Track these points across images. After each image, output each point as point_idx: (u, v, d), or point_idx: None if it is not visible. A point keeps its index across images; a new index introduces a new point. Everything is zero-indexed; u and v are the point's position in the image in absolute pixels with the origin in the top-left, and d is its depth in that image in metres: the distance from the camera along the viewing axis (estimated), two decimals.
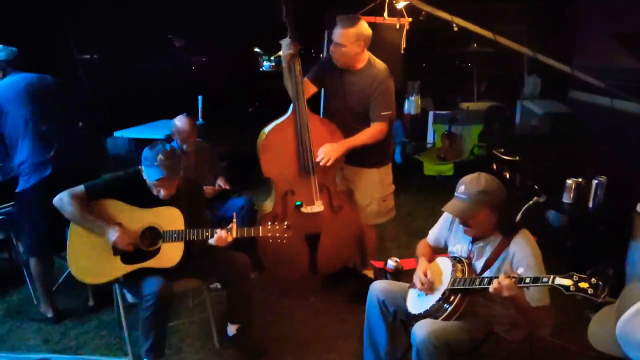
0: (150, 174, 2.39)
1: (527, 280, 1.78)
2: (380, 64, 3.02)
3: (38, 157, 2.84)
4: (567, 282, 1.67)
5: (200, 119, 5.39)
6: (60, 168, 2.86)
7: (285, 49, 2.90)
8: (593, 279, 1.63)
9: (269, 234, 2.52)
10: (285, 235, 2.52)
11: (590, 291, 1.62)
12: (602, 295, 1.60)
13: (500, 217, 2.05)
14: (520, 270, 1.84)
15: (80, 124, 3.43)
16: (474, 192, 2.01)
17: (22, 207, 2.97)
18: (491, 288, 1.84)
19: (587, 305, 2.94)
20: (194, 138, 3.52)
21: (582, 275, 1.66)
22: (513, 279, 1.80)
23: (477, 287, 1.94)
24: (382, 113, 2.96)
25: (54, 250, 3.04)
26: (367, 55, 3.00)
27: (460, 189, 2.06)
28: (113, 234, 2.37)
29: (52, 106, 2.93)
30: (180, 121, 3.44)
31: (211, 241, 2.45)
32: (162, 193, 2.44)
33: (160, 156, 2.34)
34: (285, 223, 2.54)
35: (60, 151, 2.89)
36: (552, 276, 1.72)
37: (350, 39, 2.86)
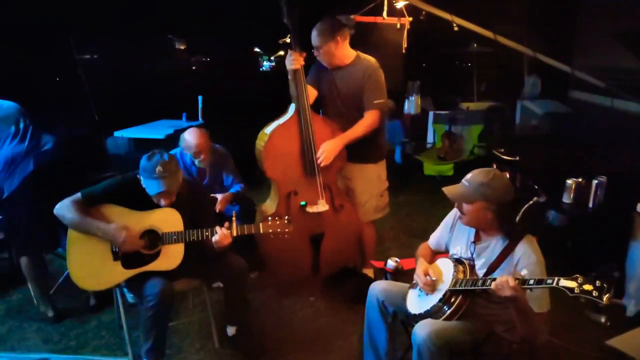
0: (149, 187, 2.35)
1: (531, 282, 1.77)
2: (369, 58, 3.08)
3: (17, 161, 2.82)
4: (571, 284, 1.65)
5: (200, 119, 5.39)
6: (43, 166, 2.85)
7: (289, 63, 2.88)
8: (598, 282, 1.62)
9: (270, 230, 2.48)
10: (287, 230, 2.48)
11: (594, 293, 1.60)
12: (607, 298, 1.58)
13: (498, 218, 2.03)
14: (524, 272, 1.83)
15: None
16: (475, 182, 2.02)
17: (11, 210, 2.93)
18: (493, 284, 1.83)
19: (587, 305, 2.95)
20: (207, 153, 3.15)
21: (586, 278, 1.64)
22: (517, 280, 1.79)
23: (479, 288, 1.94)
24: (375, 101, 2.99)
25: (44, 249, 3.04)
26: (353, 52, 3.07)
27: (467, 176, 2.07)
28: (121, 234, 2.33)
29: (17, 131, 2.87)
30: (190, 135, 3.10)
31: (215, 237, 2.40)
32: (163, 202, 2.42)
33: (159, 168, 2.30)
34: (286, 217, 2.49)
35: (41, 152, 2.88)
36: (556, 278, 1.70)
37: (321, 39, 2.94)
